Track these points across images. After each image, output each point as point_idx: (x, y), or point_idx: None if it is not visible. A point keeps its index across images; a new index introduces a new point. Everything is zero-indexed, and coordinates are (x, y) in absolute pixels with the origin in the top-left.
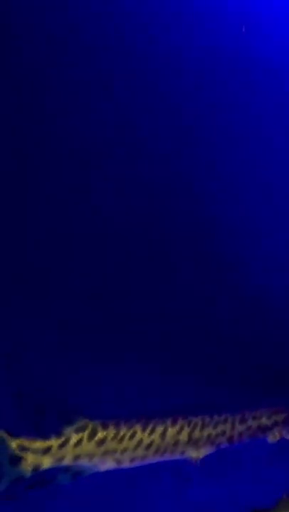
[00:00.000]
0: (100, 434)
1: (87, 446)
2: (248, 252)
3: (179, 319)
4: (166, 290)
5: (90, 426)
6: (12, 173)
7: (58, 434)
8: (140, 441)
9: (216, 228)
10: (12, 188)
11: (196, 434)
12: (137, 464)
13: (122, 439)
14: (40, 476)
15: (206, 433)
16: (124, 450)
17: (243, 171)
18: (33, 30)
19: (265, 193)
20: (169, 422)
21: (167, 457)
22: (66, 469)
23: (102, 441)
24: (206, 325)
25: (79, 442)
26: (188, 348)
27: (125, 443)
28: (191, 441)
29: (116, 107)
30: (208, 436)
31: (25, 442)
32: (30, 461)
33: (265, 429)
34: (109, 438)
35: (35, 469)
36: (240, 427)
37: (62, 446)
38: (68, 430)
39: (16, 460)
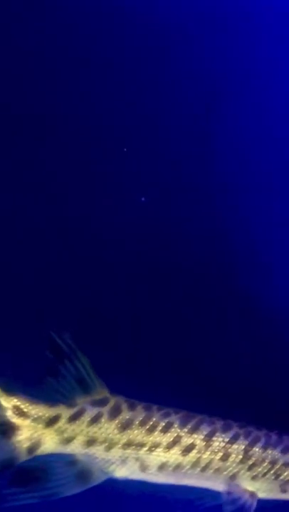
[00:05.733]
0: (125, 414)
1: (106, 428)
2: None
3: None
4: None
5: (113, 401)
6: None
7: (69, 402)
8: (177, 439)
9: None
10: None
11: (256, 453)
12: (167, 476)
13: (152, 428)
14: (35, 464)
15: (269, 457)
16: (155, 447)
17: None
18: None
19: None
20: (219, 424)
21: (208, 480)
22: (72, 462)
23: (126, 425)
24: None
25: (96, 419)
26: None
27: (156, 436)
28: (247, 463)
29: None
30: (273, 462)
31: (25, 403)
32: (27, 434)
33: None
34: (136, 422)
35: (32, 450)
36: None
37: (73, 419)
38: (82, 400)
39: (9, 429)
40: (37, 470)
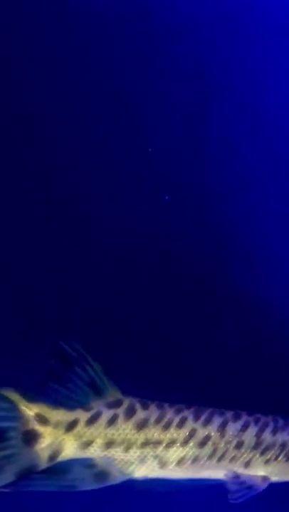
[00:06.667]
0: (140, 413)
1: (124, 429)
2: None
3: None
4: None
5: (127, 402)
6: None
7: (85, 406)
8: (192, 433)
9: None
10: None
11: (267, 437)
12: (185, 471)
13: (167, 426)
14: (54, 470)
15: (279, 439)
16: (172, 443)
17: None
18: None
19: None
20: (229, 414)
21: (226, 468)
22: (91, 465)
23: (142, 424)
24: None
25: (112, 421)
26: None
27: (172, 432)
28: (259, 448)
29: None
30: (283, 445)
31: (46, 410)
32: (48, 440)
33: None
34: (151, 421)
35: (53, 457)
36: None
37: (91, 422)
38: (96, 403)
39: (31, 437)
40: (56, 469)
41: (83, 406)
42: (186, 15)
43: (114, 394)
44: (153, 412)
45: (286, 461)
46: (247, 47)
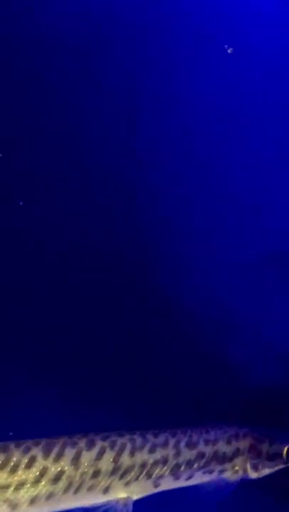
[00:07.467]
0: None
1: None
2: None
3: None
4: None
5: None
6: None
7: None
8: (44, 471)
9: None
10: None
11: (125, 460)
12: (40, 508)
13: (15, 468)
14: None
15: (138, 459)
16: (21, 485)
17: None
18: None
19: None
20: (82, 443)
21: (84, 498)
22: None
23: None
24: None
25: None
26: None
27: (21, 474)
28: (118, 472)
29: None
30: (143, 465)
31: None
32: None
33: (223, 460)
34: None
35: None
36: (187, 453)
37: None
38: None
39: None
40: None
41: None
42: (119, 27)
43: None
44: None
45: (147, 479)
46: (177, 58)
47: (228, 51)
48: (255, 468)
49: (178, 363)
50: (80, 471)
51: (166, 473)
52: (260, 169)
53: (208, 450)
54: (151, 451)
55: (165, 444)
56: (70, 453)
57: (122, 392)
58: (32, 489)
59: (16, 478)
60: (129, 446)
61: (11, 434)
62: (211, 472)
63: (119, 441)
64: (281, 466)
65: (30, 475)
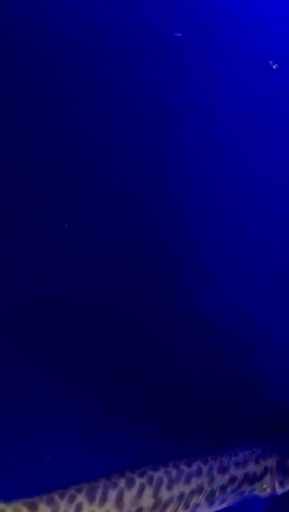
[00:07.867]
0: None
1: None
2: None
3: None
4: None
5: (10, 510)
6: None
7: None
8: None
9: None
10: None
11: (164, 495)
12: None
13: None
14: None
15: (176, 492)
16: None
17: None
18: None
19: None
20: (122, 483)
21: None
22: None
23: None
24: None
25: None
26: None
27: None
28: (158, 507)
29: None
30: (180, 496)
31: None
32: None
33: (253, 481)
34: None
35: None
36: (220, 479)
37: None
38: None
39: None
40: None
41: None
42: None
43: None
44: (43, 510)
45: (186, 509)
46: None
47: (273, 67)
48: (281, 484)
49: (199, 379)
50: (124, 511)
51: (202, 501)
52: (286, 178)
53: (239, 473)
54: (187, 481)
55: (199, 473)
56: (112, 495)
57: (143, 410)
58: None
59: None
60: (166, 480)
61: (48, 458)
62: (242, 493)
63: (156, 475)
64: None
65: None
